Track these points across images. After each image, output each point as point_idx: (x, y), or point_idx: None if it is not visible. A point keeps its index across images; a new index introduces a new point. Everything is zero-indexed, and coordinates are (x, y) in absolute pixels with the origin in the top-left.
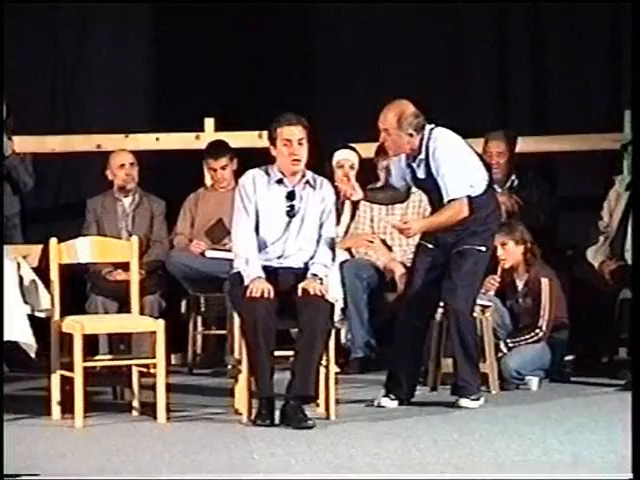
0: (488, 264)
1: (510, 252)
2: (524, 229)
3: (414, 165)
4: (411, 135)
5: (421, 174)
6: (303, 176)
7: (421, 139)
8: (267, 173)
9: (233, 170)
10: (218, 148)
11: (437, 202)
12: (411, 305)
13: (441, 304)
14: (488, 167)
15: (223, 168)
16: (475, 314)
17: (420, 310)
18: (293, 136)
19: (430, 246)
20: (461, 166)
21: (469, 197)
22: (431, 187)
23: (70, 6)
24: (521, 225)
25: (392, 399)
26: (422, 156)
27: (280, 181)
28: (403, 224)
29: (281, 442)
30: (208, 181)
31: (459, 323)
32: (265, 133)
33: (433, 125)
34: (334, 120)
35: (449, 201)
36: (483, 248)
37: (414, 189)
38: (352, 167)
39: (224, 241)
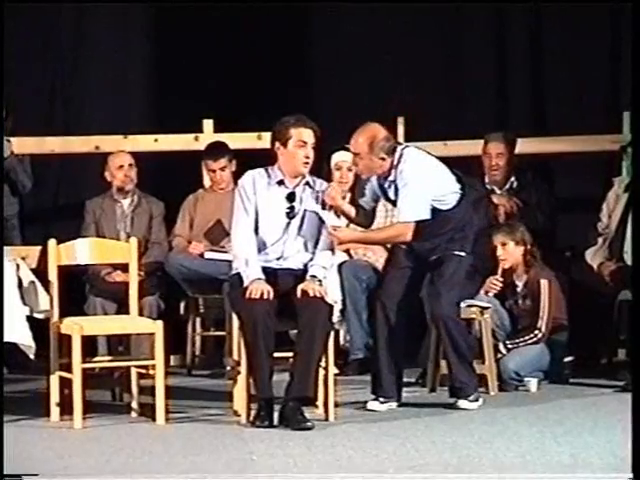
0: (487, 266)
1: (510, 252)
2: (525, 230)
3: (385, 186)
4: (383, 159)
5: (392, 195)
6: (303, 177)
7: (392, 161)
8: (267, 174)
9: (232, 171)
10: (217, 149)
11: None
12: (385, 305)
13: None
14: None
15: (222, 169)
16: (474, 315)
17: (395, 309)
18: (309, 138)
19: (404, 247)
20: (421, 191)
21: (440, 211)
22: None
23: (69, 7)
24: (522, 226)
25: (381, 402)
26: (392, 178)
27: (281, 182)
28: (333, 229)
29: (280, 443)
30: (207, 182)
31: (448, 328)
32: (265, 134)
33: (404, 145)
34: (333, 122)
35: (397, 222)
36: (462, 253)
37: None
38: (350, 169)
39: (223, 242)
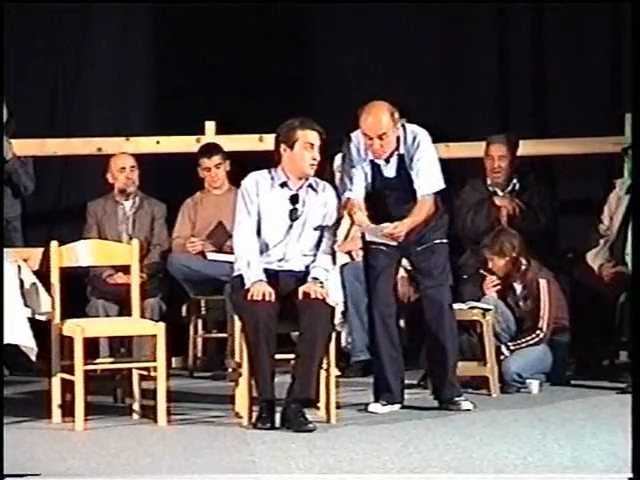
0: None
1: (497, 266)
2: (505, 240)
3: (382, 164)
4: (398, 128)
5: (390, 172)
6: (306, 179)
7: (397, 135)
8: (271, 176)
9: (227, 171)
10: (210, 148)
11: (397, 201)
12: (382, 312)
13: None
14: None
15: (217, 167)
16: (476, 317)
17: (391, 313)
18: (315, 140)
19: (383, 248)
20: (436, 159)
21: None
22: (399, 185)
23: (71, 7)
24: (504, 235)
25: (383, 405)
26: (402, 151)
27: (284, 184)
28: (394, 229)
29: (282, 445)
30: (207, 184)
31: (452, 320)
32: (266, 137)
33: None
34: (335, 124)
35: (422, 196)
36: (445, 240)
37: None
38: None
39: (226, 244)
